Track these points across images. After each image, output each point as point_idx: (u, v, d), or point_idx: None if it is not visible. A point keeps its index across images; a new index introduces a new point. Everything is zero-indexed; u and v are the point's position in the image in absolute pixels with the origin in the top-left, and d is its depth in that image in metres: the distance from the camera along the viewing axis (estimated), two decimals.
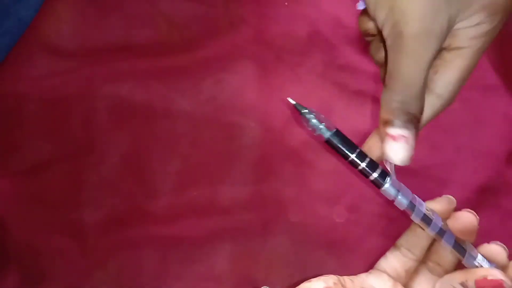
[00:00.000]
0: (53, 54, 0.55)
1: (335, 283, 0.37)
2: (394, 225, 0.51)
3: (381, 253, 0.41)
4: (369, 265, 0.41)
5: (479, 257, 0.38)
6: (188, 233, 0.51)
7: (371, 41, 0.41)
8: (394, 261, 0.39)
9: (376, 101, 0.54)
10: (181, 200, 0.52)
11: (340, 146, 0.36)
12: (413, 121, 0.36)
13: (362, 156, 0.36)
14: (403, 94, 0.35)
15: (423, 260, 0.40)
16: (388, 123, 0.36)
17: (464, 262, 0.38)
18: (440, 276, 0.39)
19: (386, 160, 0.37)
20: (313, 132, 0.36)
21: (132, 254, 0.51)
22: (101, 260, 0.50)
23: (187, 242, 0.51)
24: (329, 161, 0.53)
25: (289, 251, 0.51)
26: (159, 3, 0.56)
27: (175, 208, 0.52)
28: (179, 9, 0.56)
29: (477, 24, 0.35)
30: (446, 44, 0.36)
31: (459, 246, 0.38)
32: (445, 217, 0.38)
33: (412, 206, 0.37)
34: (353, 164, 0.36)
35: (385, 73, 0.37)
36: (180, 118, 0.54)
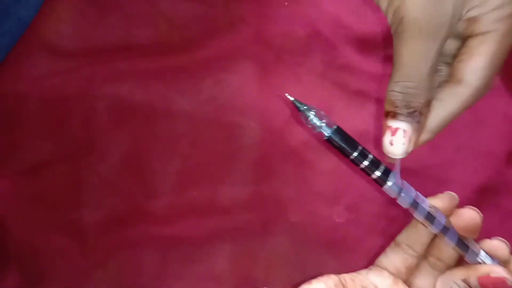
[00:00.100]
0: (53, 54, 0.55)
1: (336, 285, 0.37)
2: (394, 225, 0.51)
3: (381, 253, 0.41)
4: (369, 265, 0.41)
5: (482, 253, 0.38)
6: (188, 233, 0.51)
7: None
8: (394, 258, 0.39)
9: (376, 101, 0.54)
10: (181, 200, 0.52)
11: (341, 144, 0.35)
12: (414, 114, 0.35)
13: (363, 154, 0.35)
14: (403, 85, 0.34)
15: (424, 255, 0.40)
16: (388, 114, 0.35)
17: (466, 258, 0.38)
18: (441, 271, 0.39)
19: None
20: (312, 129, 0.35)
21: (132, 254, 0.51)
22: (101, 260, 0.50)
23: (187, 242, 0.51)
24: (329, 161, 0.53)
25: (289, 251, 0.51)
26: (159, 3, 0.56)
27: (175, 208, 0.52)
28: (179, 9, 0.56)
29: (498, 7, 0.34)
30: (469, 31, 0.35)
31: (461, 242, 0.37)
32: (448, 214, 0.38)
33: (415, 204, 0.36)
34: (355, 163, 0.36)
35: None
36: (180, 118, 0.54)
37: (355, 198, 0.52)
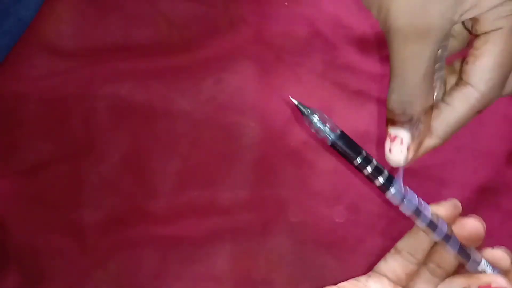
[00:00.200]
0: (53, 54, 0.55)
1: None
2: (394, 225, 0.51)
3: (381, 253, 0.41)
4: (369, 265, 0.41)
5: (483, 262, 0.37)
6: (188, 233, 0.51)
7: None
8: (394, 265, 0.39)
9: (376, 101, 0.54)
10: (181, 200, 0.52)
11: (345, 150, 0.34)
12: (411, 121, 0.35)
13: (367, 160, 0.34)
14: (398, 93, 0.34)
15: (424, 261, 0.40)
16: (388, 121, 0.35)
17: (467, 267, 0.37)
18: (441, 277, 0.38)
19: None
20: (316, 134, 0.34)
21: (132, 254, 0.51)
22: (101, 260, 0.50)
23: (187, 242, 0.51)
24: (329, 161, 0.53)
25: (289, 251, 0.51)
26: (159, 3, 0.56)
27: (175, 208, 0.52)
28: (179, 9, 0.56)
29: (497, 5, 0.33)
30: (474, 31, 0.34)
31: (463, 251, 0.37)
32: (450, 222, 0.37)
33: (417, 212, 0.36)
34: (359, 169, 0.35)
35: None
36: (180, 118, 0.54)
37: (355, 198, 0.52)
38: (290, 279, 0.50)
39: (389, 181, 0.35)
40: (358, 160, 0.34)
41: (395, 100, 0.34)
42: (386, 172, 0.35)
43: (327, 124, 0.34)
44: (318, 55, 0.56)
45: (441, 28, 0.33)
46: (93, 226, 0.51)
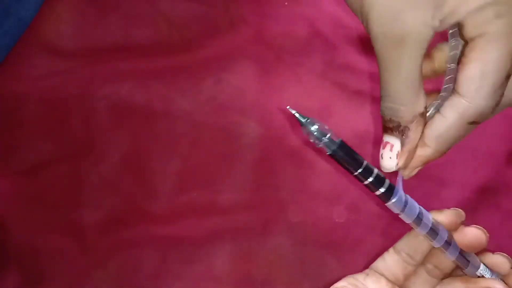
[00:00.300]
0: (53, 54, 0.55)
1: None
2: (394, 225, 0.51)
3: (381, 253, 0.41)
4: (369, 265, 0.41)
5: (481, 266, 0.37)
6: (188, 233, 0.51)
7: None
8: (393, 266, 0.39)
9: (376, 101, 0.54)
10: (181, 200, 0.52)
11: (345, 161, 0.34)
12: (398, 129, 0.34)
13: (368, 170, 0.34)
14: (384, 100, 0.34)
15: (422, 261, 0.40)
16: (383, 128, 0.35)
17: (466, 271, 0.37)
18: (438, 278, 0.38)
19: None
20: (314, 144, 0.33)
21: (132, 254, 0.51)
22: (101, 260, 0.50)
23: (187, 242, 0.51)
24: (329, 161, 0.53)
25: (289, 251, 0.51)
26: (159, 3, 0.56)
27: (175, 208, 0.52)
28: (179, 9, 0.56)
29: (477, 10, 0.31)
30: (463, 37, 0.33)
31: (462, 257, 0.37)
32: (452, 230, 0.37)
33: (418, 221, 0.36)
34: (359, 179, 0.34)
35: None
36: (180, 118, 0.54)
37: (355, 198, 0.52)
38: (290, 279, 0.50)
39: (390, 191, 0.34)
40: (359, 170, 0.34)
41: (383, 107, 0.34)
42: (387, 182, 0.34)
43: (326, 135, 0.33)
44: (318, 55, 0.56)
45: (419, 35, 0.32)
46: (93, 226, 0.51)
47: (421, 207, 0.36)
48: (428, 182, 0.53)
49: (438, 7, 0.31)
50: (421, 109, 0.34)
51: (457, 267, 0.38)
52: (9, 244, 0.51)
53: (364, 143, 0.52)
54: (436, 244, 0.36)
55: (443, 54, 0.38)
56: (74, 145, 0.53)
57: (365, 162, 0.34)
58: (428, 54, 0.36)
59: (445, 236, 0.36)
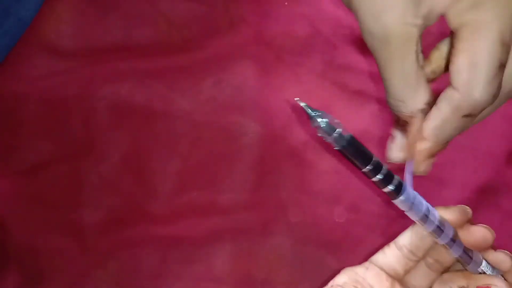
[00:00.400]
0: (53, 54, 0.55)
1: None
2: (394, 225, 0.51)
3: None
4: None
5: (483, 263, 0.37)
6: (188, 233, 0.51)
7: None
8: (394, 261, 0.38)
9: (376, 101, 0.54)
10: (181, 200, 0.52)
11: (354, 156, 0.32)
12: (398, 121, 0.34)
13: (377, 167, 0.33)
14: (387, 95, 0.34)
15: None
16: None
17: (468, 268, 0.37)
18: (438, 272, 0.38)
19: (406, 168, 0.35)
20: (323, 137, 0.32)
21: (132, 254, 0.51)
22: (101, 260, 0.50)
23: (187, 242, 0.51)
24: (329, 161, 0.53)
25: (289, 251, 0.51)
26: (159, 3, 0.56)
27: (175, 208, 0.52)
28: (179, 9, 0.56)
29: (454, 1, 0.31)
30: (452, 29, 0.33)
31: (465, 254, 0.37)
32: (458, 227, 0.37)
33: (424, 218, 0.35)
34: (367, 175, 0.33)
35: None
36: (180, 118, 0.54)
37: (355, 198, 0.52)
38: (290, 279, 0.50)
39: (399, 189, 0.34)
40: (368, 167, 0.33)
41: (387, 100, 0.34)
42: (396, 179, 0.34)
43: (335, 129, 0.31)
44: (318, 55, 0.56)
45: (401, 34, 0.31)
46: (93, 226, 0.51)
47: (428, 204, 0.36)
48: (428, 182, 0.53)
49: (417, 4, 0.31)
50: (420, 105, 0.33)
51: (458, 261, 0.38)
52: (9, 244, 0.51)
53: (364, 143, 0.52)
54: (441, 241, 0.36)
55: (441, 53, 0.37)
56: (74, 145, 0.53)
57: (375, 158, 0.33)
58: (427, 56, 0.36)
59: (450, 233, 0.36)
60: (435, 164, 0.53)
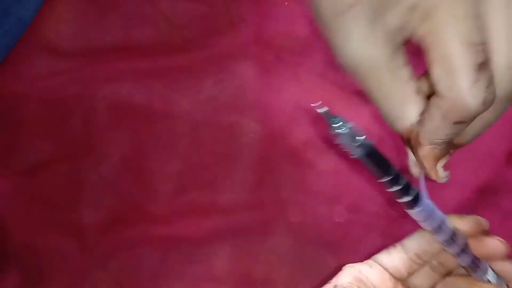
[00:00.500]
0: (53, 54, 0.55)
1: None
2: (394, 225, 0.51)
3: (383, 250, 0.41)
4: None
5: (489, 271, 0.37)
6: (188, 233, 0.51)
7: None
8: (399, 263, 0.38)
9: None
10: (181, 200, 0.52)
11: (374, 166, 0.31)
12: (402, 136, 0.34)
13: (396, 178, 0.32)
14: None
15: None
16: None
17: (473, 275, 0.37)
18: (441, 274, 0.38)
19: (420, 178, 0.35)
20: (340, 145, 0.31)
21: (132, 254, 0.51)
22: (101, 260, 0.50)
23: (187, 242, 0.51)
24: (329, 161, 0.53)
25: (289, 251, 0.51)
26: (159, 3, 0.56)
27: (175, 208, 0.52)
28: (179, 9, 0.56)
29: (406, 15, 0.30)
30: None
31: (473, 264, 0.36)
32: (469, 236, 0.36)
33: (438, 229, 0.35)
34: (385, 185, 0.32)
35: None
36: (180, 118, 0.54)
37: (355, 198, 0.52)
38: (290, 279, 0.50)
39: (415, 200, 0.33)
40: (387, 178, 0.32)
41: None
42: (413, 191, 0.33)
43: (358, 137, 0.30)
44: (318, 55, 0.56)
45: (368, 59, 0.31)
46: (93, 226, 0.51)
47: (443, 214, 0.35)
48: (428, 182, 0.53)
49: (372, 29, 0.30)
50: (414, 118, 0.32)
51: (463, 267, 0.38)
52: (9, 244, 0.51)
53: None
54: (451, 251, 0.36)
55: None
56: (74, 145, 0.53)
57: (395, 171, 0.32)
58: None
59: (461, 244, 0.35)
60: None
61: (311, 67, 0.55)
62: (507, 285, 0.37)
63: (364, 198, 0.52)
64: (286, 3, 0.57)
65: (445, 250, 0.37)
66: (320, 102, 0.31)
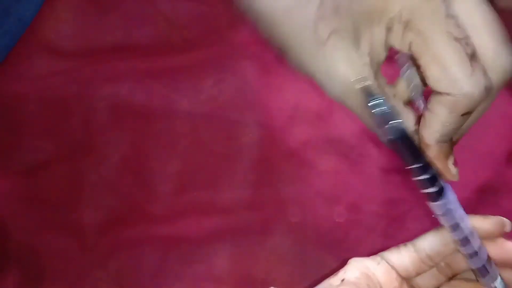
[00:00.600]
0: (53, 54, 0.55)
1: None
2: (394, 225, 0.51)
3: (386, 250, 0.40)
4: None
5: (498, 279, 0.36)
6: (188, 233, 0.51)
7: None
8: (408, 262, 0.37)
9: None
10: (181, 200, 0.52)
11: (406, 151, 0.31)
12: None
13: (426, 166, 0.32)
14: None
15: None
16: None
17: (481, 281, 0.36)
18: (447, 276, 0.37)
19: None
20: (376, 125, 0.31)
21: (132, 254, 0.51)
22: (101, 260, 0.50)
23: (187, 242, 0.51)
24: (329, 161, 0.53)
25: (289, 251, 0.51)
26: (159, 3, 0.56)
27: (175, 208, 0.52)
28: (179, 9, 0.56)
29: (389, 27, 0.32)
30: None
31: (484, 268, 0.35)
32: (489, 238, 0.36)
33: (455, 226, 0.34)
34: (413, 173, 0.32)
35: None
36: (180, 118, 0.54)
37: (355, 198, 0.52)
38: (290, 279, 0.50)
39: (440, 192, 0.33)
40: (417, 165, 0.32)
41: None
42: (440, 183, 0.33)
43: (394, 119, 0.30)
44: None
45: (352, 93, 0.32)
46: (93, 226, 0.51)
47: (464, 212, 0.35)
48: None
49: (355, 62, 0.31)
50: (410, 129, 0.33)
51: (472, 270, 0.37)
52: (9, 244, 0.51)
53: (364, 143, 0.52)
54: (464, 252, 0.35)
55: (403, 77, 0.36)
56: (74, 145, 0.53)
57: (425, 159, 0.32)
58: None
59: (476, 246, 0.35)
60: None
61: None
62: None
63: (364, 198, 0.52)
64: None
65: (456, 252, 0.37)
66: (364, 75, 0.30)
